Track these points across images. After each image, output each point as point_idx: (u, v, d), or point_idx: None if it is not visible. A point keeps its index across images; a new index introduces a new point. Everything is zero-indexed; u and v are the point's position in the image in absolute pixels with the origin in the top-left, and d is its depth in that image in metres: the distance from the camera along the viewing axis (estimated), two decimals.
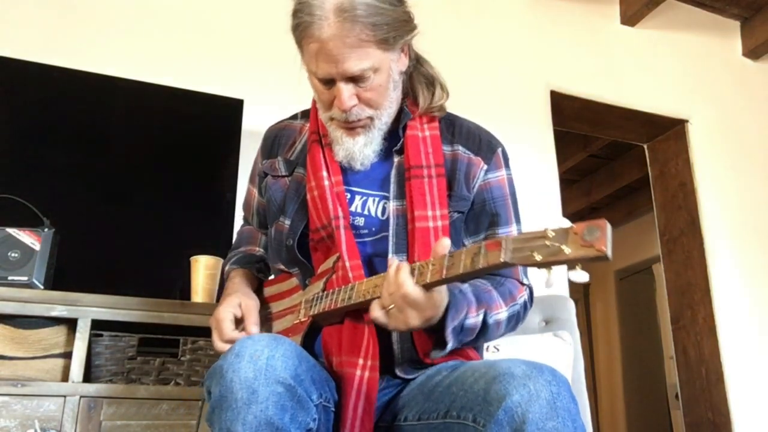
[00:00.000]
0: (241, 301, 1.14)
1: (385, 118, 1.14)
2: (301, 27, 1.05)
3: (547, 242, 0.75)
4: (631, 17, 3.10)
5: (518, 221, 1.19)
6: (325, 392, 0.94)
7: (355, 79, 1.06)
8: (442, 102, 1.20)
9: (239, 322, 1.13)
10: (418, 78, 1.21)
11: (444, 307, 0.94)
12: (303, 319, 1.09)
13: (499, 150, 1.20)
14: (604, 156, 4.58)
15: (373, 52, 1.05)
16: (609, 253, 0.71)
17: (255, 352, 0.85)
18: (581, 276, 0.75)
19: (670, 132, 3.20)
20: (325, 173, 1.14)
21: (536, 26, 2.94)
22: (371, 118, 1.12)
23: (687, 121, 3.13)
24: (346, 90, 1.07)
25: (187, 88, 2.10)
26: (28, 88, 1.95)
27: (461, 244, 1.14)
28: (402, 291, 0.89)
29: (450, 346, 0.96)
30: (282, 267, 1.20)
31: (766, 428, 2.75)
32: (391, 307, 0.92)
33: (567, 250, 0.73)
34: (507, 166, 1.21)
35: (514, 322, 1.10)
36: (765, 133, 3.28)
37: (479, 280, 1.09)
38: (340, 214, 1.10)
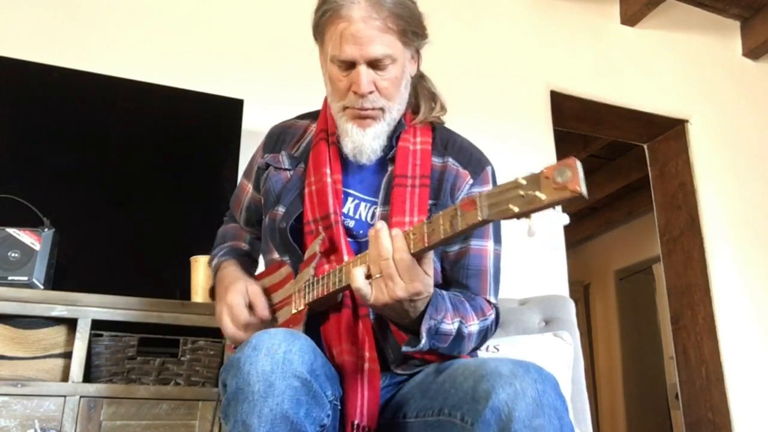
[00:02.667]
0: (248, 287, 1.14)
1: (394, 113, 1.16)
2: (330, 11, 1.10)
3: (521, 192, 0.74)
4: (631, 17, 3.09)
5: (497, 240, 1.17)
6: (336, 389, 0.95)
7: (374, 65, 1.11)
8: (439, 115, 1.24)
9: (248, 308, 1.12)
10: (422, 91, 1.25)
11: (431, 285, 0.92)
12: (300, 309, 1.08)
13: (488, 168, 1.22)
14: (604, 156, 4.58)
15: (395, 43, 1.11)
16: (584, 191, 0.69)
17: (272, 346, 0.86)
18: (561, 218, 0.74)
19: (670, 132, 3.20)
20: (328, 170, 1.16)
21: (536, 26, 2.94)
22: (383, 110, 1.15)
23: (687, 121, 3.13)
24: (365, 74, 1.10)
25: (187, 88, 2.10)
26: (28, 88, 1.94)
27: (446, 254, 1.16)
28: (398, 255, 0.87)
29: (423, 342, 0.94)
30: (274, 255, 1.20)
31: (766, 428, 2.75)
32: (377, 276, 0.89)
33: (542, 196, 0.71)
34: (494, 183, 1.22)
35: (482, 337, 1.11)
36: (765, 133, 3.27)
37: (454, 291, 1.12)
38: (338, 210, 1.12)
